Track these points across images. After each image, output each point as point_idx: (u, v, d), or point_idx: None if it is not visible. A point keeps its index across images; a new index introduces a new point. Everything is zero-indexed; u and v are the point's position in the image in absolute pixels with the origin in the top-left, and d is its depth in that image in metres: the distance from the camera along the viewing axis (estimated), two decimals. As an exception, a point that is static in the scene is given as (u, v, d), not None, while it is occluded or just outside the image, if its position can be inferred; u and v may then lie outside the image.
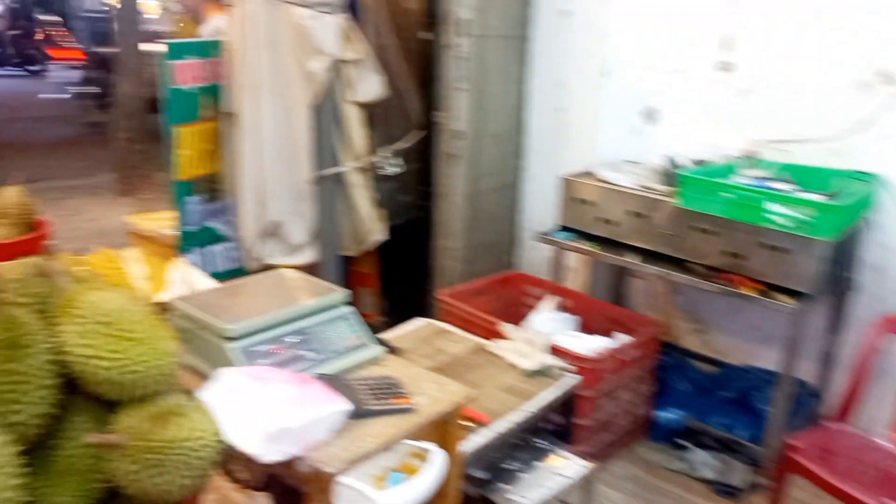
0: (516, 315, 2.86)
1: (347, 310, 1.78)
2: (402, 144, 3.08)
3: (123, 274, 2.14)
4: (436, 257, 3.28)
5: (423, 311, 2.95)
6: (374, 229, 3.00)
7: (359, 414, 1.46)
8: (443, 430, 1.61)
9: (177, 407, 1.30)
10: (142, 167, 6.46)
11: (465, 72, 2.99)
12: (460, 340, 2.51)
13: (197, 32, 3.25)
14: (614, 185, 2.73)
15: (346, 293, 1.79)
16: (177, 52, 2.53)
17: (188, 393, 1.40)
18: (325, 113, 2.70)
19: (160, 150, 7.19)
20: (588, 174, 2.90)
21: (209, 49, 2.63)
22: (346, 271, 3.12)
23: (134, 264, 2.25)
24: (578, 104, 3.26)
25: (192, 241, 2.81)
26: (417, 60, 3.24)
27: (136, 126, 6.32)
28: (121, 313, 1.30)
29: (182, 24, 4.06)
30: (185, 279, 2.28)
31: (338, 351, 1.69)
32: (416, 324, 2.60)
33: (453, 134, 3.05)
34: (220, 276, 2.97)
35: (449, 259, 3.24)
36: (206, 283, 2.31)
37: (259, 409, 1.39)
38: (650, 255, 2.63)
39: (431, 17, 3.12)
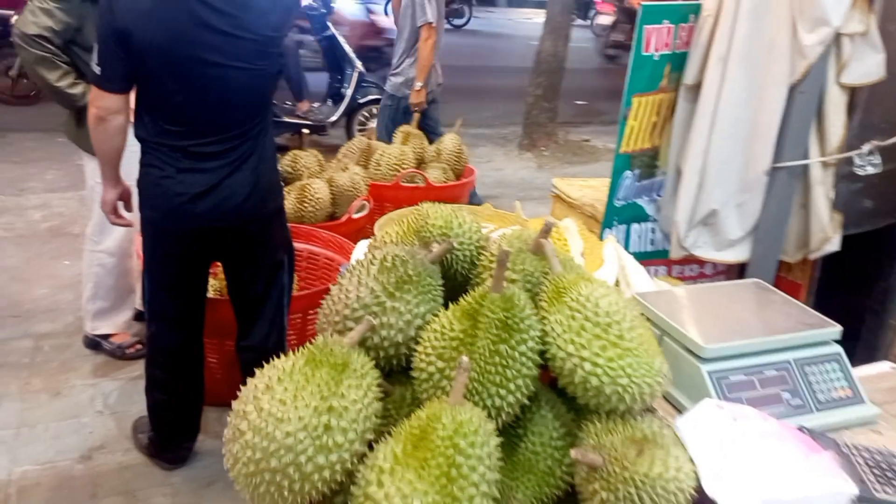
0: None
1: (838, 350, 1.44)
2: (888, 140, 2.49)
3: (565, 246, 2.07)
4: (898, 283, 2.65)
5: (870, 346, 2.41)
6: (829, 236, 2.50)
7: (864, 501, 1.14)
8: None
9: (654, 435, 1.12)
10: (546, 125, 6.64)
11: None
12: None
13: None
14: None
15: (839, 330, 1.44)
16: (652, 15, 2.33)
17: (660, 419, 1.22)
18: (806, 94, 2.27)
19: (565, 111, 7.37)
20: None
21: (687, 13, 2.38)
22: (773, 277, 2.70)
23: (571, 236, 2.17)
24: None
25: (617, 215, 2.67)
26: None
27: (548, 83, 6.47)
28: (616, 315, 1.15)
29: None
30: (618, 260, 2.14)
31: (823, 401, 1.37)
32: (880, 368, 2.10)
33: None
34: (636, 257, 2.81)
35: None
36: (636, 268, 2.14)
37: (742, 461, 1.14)
38: None
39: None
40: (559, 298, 1.18)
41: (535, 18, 17.62)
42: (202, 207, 1.91)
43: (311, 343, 1.17)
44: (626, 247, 2.75)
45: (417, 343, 1.20)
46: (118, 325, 2.84)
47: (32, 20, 2.43)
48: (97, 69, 1.81)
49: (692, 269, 2.82)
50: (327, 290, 1.31)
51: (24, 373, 2.72)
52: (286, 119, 5.67)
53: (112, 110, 1.87)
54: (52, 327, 3.04)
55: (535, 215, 4.50)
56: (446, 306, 1.25)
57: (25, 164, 5.01)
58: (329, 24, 5.76)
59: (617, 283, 2.04)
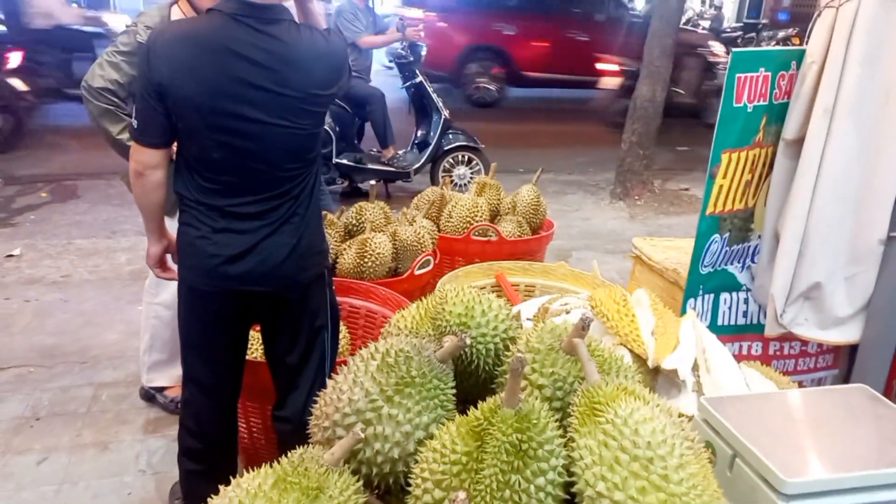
0: None
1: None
2: None
3: (633, 324, 1.80)
4: None
5: None
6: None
7: None
8: None
9: None
10: (641, 173, 6.31)
11: None
12: None
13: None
14: None
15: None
16: (745, 62, 2.06)
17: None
18: (932, 153, 1.93)
19: (664, 157, 7.00)
20: None
21: (787, 60, 2.10)
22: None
23: (641, 310, 1.90)
24: None
25: (702, 283, 2.36)
26: None
27: (644, 130, 6.17)
28: (662, 446, 0.90)
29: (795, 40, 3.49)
30: (697, 341, 1.85)
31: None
32: None
33: None
34: (724, 331, 2.49)
35: None
36: (719, 351, 1.84)
37: None
38: None
39: None
40: (592, 418, 0.95)
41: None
42: (237, 270, 1.79)
43: (286, 457, 0.99)
44: (714, 320, 2.43)
45: (416, 461, 0.99)
46: (173, 378, 2.79)
47: (100, 73, 2.45)
48: (135, 122, 1.76)
49: (792, 348, 2.46)
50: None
51: (79, 423, 2.70)
52: (371, 166, 5.64)
53: (149, 165, 1.80)
54: (114, 376, 3.03)
55: (622, 272, 4.21)
56: (464, 411, 1.04)
57: (122, 207, 5.20)
58: (417, 72, 5.75)
59: (695, 369, 1.76)
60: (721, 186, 2.24)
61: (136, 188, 1.86)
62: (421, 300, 1.28)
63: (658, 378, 1.72)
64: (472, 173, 5.89)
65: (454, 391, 1.08)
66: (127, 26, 2.51)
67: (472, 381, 1.17)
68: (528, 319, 2.04)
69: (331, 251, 2.94)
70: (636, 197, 6.28)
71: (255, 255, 1.79)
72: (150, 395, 2.85)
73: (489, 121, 8.87)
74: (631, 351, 1.75)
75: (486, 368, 1.16)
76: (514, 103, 10.80)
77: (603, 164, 7.16)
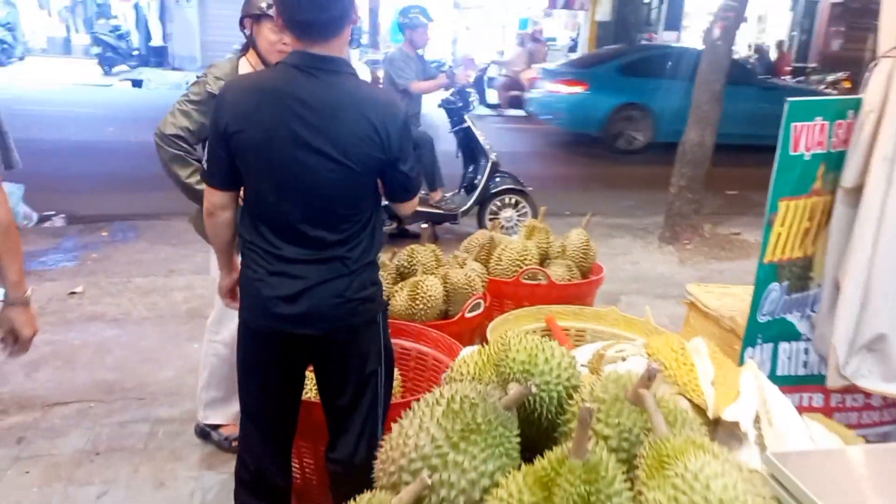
0: None
1: None
2: None
3: (692, 373, 1.78)
4: None
5: None
6: None
7: None
8: None
9: None
10: (691, 217, 6.25)
11: None
12: None
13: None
14: None
15: None
16: (801, 111, 2.06)
17: None
18: None
19: (714, 202, 6.93)
20: None
21: (844, 109, 2.09)
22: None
23: (700, 359, 1.88)
24: None
25: (761, 332, 2.32)
26: None
27: (693, 174, 6.13)
28: (733, 503, 0.90)
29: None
30: (758, 392, 1.81)
31: None
32: None
33: None
34: (784, 382, 2.43)
35: None
36: (781, 402, 1.80)
37: None
38: None
39: None
40: (660, 470, 0.95)
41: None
42: (290, 312, 1.83)
43: (354, 501, 1.01)
44: (773, 369, 2.38)
45: (482, 509, 1.00)
46: (229, 416, 2.84)
47: (172, 121, 2.57)
48: (205, 165, 1.85)
49: (855, 400, 2.38)
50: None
51: (136, 459, 2.76)
52: (419, 208, 5.73)
53: (218, 206, 1.89)
54: (170, 412, 3.10)
55: (673, 318, 4.15)
56: (529, 459, 1.04)
57: (179, 246, 5.37)
58: (466, 117, 5.85)
59: (757, 422, 1.72)
60: (779, 234, 2.22)
61: (207, 226, 1.97)
62: (482, 346, 1.30)
63: (718, 430, 1.69)
64: (518, 216, 5.92)
65: (519, 439, 1.08)
66: (198, 77, 2.64)
67: (534, 428, 1.18)
68: (582, 366, 2.04)
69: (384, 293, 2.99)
70: (686, 241, 6.21)
71: (308, 299, 1.83)
72: (205, 433, 2.90)
73: (532, 164, 8.93)
74: (690, 401, 1.73)
75: (549, 416, 1.17)
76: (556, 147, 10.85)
77: (649, 208, 7.12)
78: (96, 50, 17.49)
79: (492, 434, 1.04)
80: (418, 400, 2.35)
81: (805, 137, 2.10)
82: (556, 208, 6.23)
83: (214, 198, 1.89)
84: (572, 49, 21.20)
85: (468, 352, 1.99)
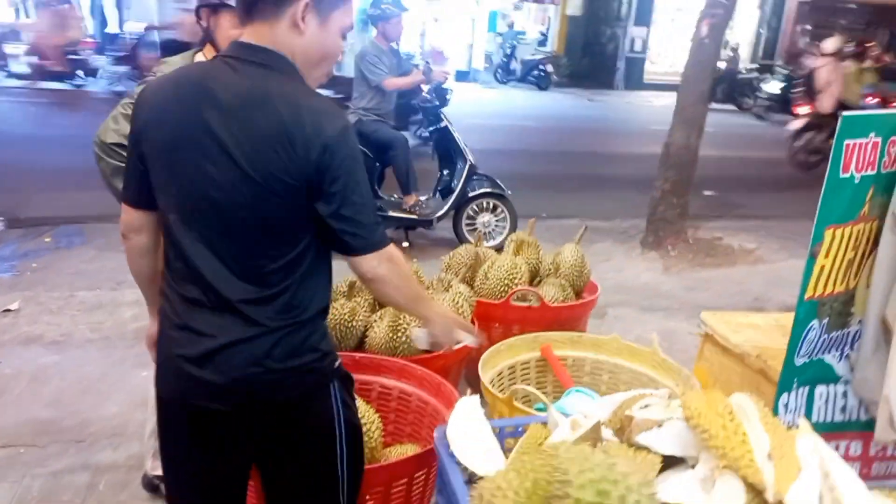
0: None
1: None
2: None
3: (745, 445, 1.46)
4: None
5: None
6: None
7: None
8: None
9: None
10: (675, 222, 6.00)
11: None
12: None
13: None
14: None
15: None
16: (856, 127, 1.77)
17: None
18: None
19: (694, 200, 6.70)
20: None
21: (905, 125, 1.81)
22: None
23: (750, 425, 1.56)
24: None
25: (798, 376, 2.04)
26: None
27: (678, 178, 5.88)
28: None
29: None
30: (820, 463, 1.52)
31: None
32: None
33: None
34: (819, 429, 2.14)
35: None
36: (845, 474, 1.50)
37: None
38: None
39: None
40: None
41: (655, 101, 17.10)
42: (200, 376, 1.39)
43: None
44: (808, 416, 2.09)
45: None
46: (180, 465, 2.47)
47: (114, 128, 2.19)
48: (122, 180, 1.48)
49: (897, 449, 2.12)
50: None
51: (72, 518, 2.38)
52: (392, 213, 5.36)
53: (131, 227, 1.49)
54: (113, 458, 2.70)
55: (663, 334, 3.82)
56: None
57: (129, 255, 4.94)
58: (443, 116, 5.50)
59: (821, 502, 1.43)
60: (822, 267, 1.92)
61: (126, 254, 1.56)
62: (518, 456, 0.96)
63: (781, 517, 1.39)
64: (497, 221, 5.60)
65: None
66: (144, 75, 2.25)
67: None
68: (604, 426, 1.71)
69: (359, 324, 2.63)
70: (670, 247, 5.97)
71: (213, 364, 1.39)
72: (153, 486, 2.52)
73: (505, 164, 8.61)
74: (743, 479, 1.43)
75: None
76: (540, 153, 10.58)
77: (631, 210, 6.87)
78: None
79: None
80: (399, 464, 1.98)
81: (857, 157, 1.81)
82: (533, 210, 5.92)
83: (126, 216, 1.48)
84: (542, 43, 20.99)
85: (465, 405, 1.66)
